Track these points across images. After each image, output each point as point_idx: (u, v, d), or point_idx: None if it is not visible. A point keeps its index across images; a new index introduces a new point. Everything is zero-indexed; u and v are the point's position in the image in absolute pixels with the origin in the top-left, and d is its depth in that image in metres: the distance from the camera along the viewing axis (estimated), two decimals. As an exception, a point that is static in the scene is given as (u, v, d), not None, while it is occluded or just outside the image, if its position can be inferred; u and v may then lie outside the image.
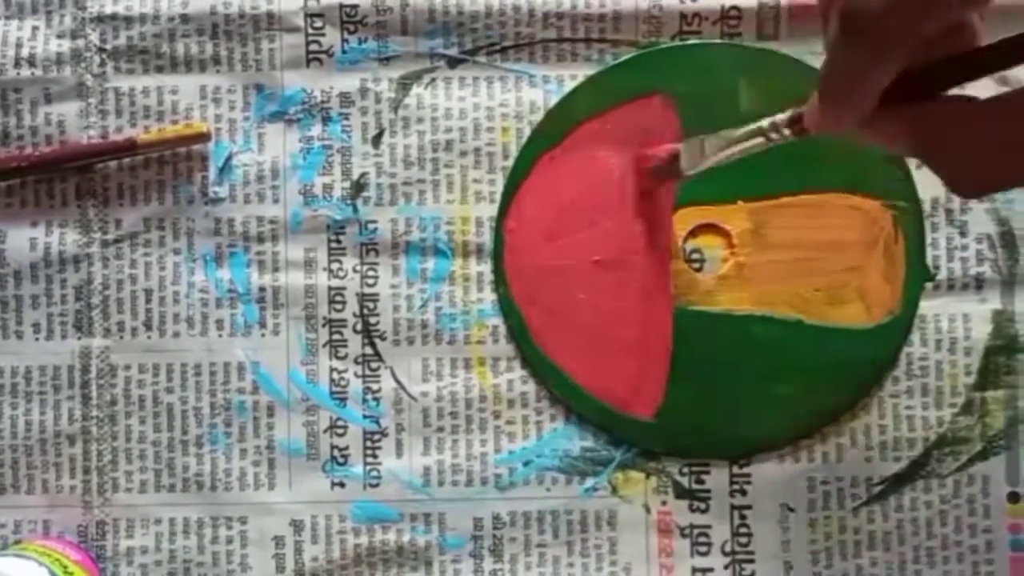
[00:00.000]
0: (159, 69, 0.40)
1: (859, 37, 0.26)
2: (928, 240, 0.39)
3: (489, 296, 0.40)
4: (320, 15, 0.40)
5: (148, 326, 0.40)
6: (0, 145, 0.40)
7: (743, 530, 0.39)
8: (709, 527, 0.39)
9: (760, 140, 0.33)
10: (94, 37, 0.40)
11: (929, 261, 0.39)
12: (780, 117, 0.32)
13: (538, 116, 0.40)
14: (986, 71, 0.27)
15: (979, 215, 0.40)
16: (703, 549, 0.39)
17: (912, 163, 0.40)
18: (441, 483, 0.39)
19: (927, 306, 0.39)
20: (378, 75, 0.40)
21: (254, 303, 0.40)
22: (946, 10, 0.25)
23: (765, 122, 0.33)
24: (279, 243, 0.40)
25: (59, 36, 0.40)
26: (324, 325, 0.40)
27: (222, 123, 0.40)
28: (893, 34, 0.26)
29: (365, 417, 0.40)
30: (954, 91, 0.28)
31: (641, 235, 0.39)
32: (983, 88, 0.28)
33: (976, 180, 0.28)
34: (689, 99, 0.39)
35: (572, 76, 0.40)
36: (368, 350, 0.40)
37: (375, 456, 0.40)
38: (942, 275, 0.39)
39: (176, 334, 0.40)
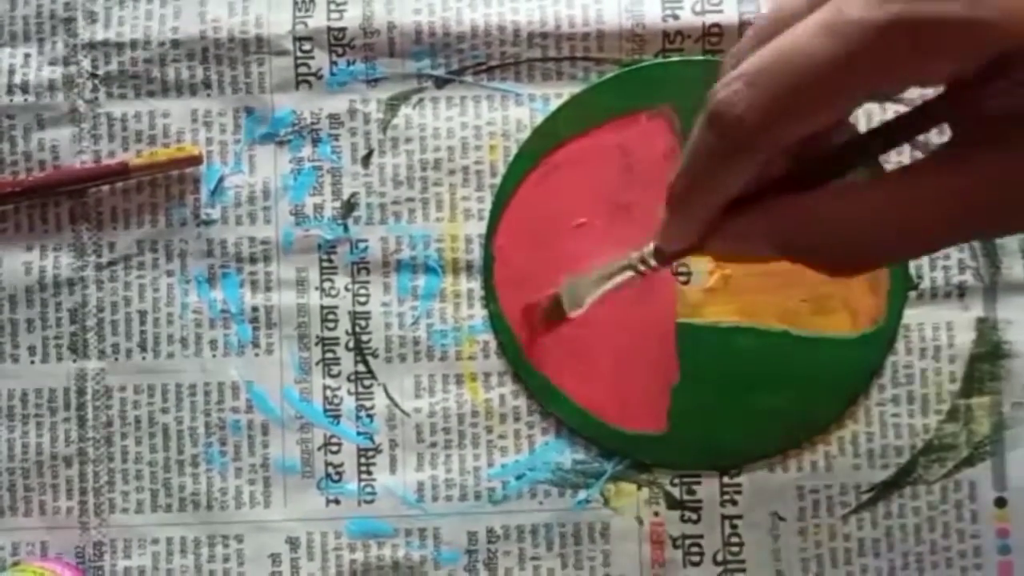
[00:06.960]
0: (150, 94, 0.41)
1: (723, 140, 0.25)
2: (911, 250, 0.40)
3: (480, 312, 0.40)
4: (308, 38, 0.41)
5: (143, 347, 0.40)
6: (-6, 171, 0.41)
7: (734, 539, 0.39)
8: (701, 537, 0.40)
9: (630, 273, 0.34)
10: (86, 63, 0.41)
11: (912, 270, 0.40)
12: (645, 249, 0.32)
13: (525, 134, 0.41)
14: (851, 167, 0.27)
15: (960, 224, 0.40)
16: (695, 559, 0.39)
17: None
18: (435, 498, 0.40)
19: (911, 315, 0.40)
20: (367, 96, 0.41)
21: (247, 323, 0.40)
22: (818, 115, 0.24)
23: (633, 256, 0.33)
24: (271, 263, 0.41)
25: (51, 63, 0.41)
26: (317, 343, 0.40)
27: (213, 146, 0.41)
28: (760, 138, 0.25)
29: (359, 434, 0.40)
30: None
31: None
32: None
33: (855, 262, 0.27)
34: (679, 114, 0.40)
35: (557, 94, 0.41)
36: (361, 367, 0.40)
37: (369, 472, 0.40)
38: (925, 284, 0.40)
39: (170, 355, 0.40)
